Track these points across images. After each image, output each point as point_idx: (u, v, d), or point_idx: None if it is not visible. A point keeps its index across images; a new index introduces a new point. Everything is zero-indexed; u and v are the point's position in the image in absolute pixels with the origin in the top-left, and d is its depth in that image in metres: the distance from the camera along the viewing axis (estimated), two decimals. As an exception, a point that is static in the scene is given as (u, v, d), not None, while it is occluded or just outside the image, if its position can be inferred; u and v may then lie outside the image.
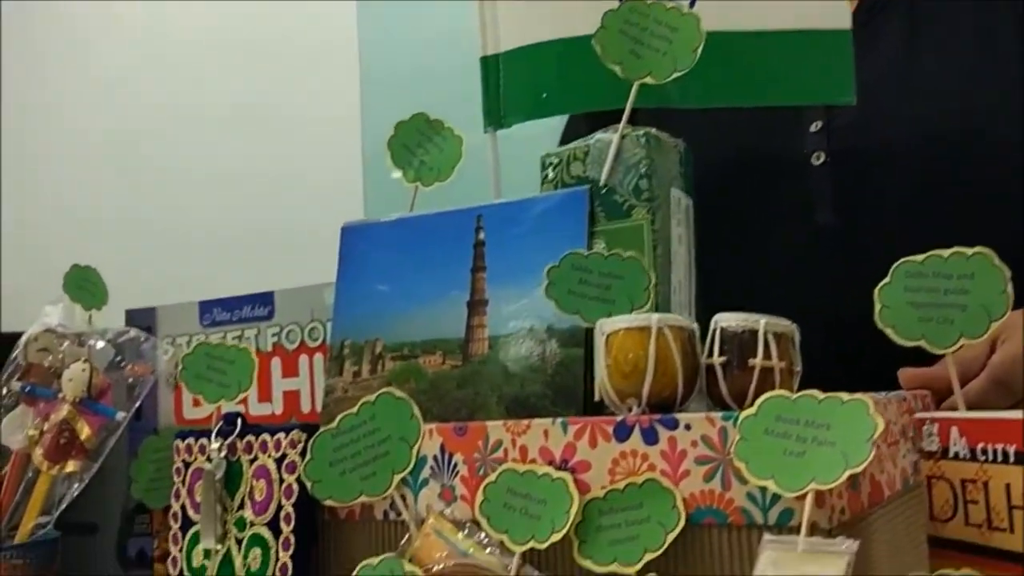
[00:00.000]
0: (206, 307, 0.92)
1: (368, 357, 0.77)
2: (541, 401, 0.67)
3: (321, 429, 0.67)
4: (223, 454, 0.70)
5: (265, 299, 0.89)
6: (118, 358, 0.91)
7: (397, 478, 0.64)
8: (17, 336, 0.91)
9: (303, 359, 0.86)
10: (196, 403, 0.90)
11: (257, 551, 0.66)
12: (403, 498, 0.64)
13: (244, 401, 0.81)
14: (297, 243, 1.58)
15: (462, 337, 0.73)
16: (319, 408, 0.85)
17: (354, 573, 0.62)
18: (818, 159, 0.94)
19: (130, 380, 0.90)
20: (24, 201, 2.32)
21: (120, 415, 0.86)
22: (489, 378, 0.70)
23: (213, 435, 0.71)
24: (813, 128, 0.95)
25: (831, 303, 0.89)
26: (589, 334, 0.67)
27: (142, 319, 0.93)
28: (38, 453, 0.86)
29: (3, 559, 0.81)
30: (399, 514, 0.64)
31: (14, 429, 0.88)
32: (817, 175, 0.94)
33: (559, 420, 0.59)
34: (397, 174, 0.81)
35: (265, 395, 0.86)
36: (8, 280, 2.18)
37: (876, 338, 0.58)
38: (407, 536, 0.63)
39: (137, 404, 0.88)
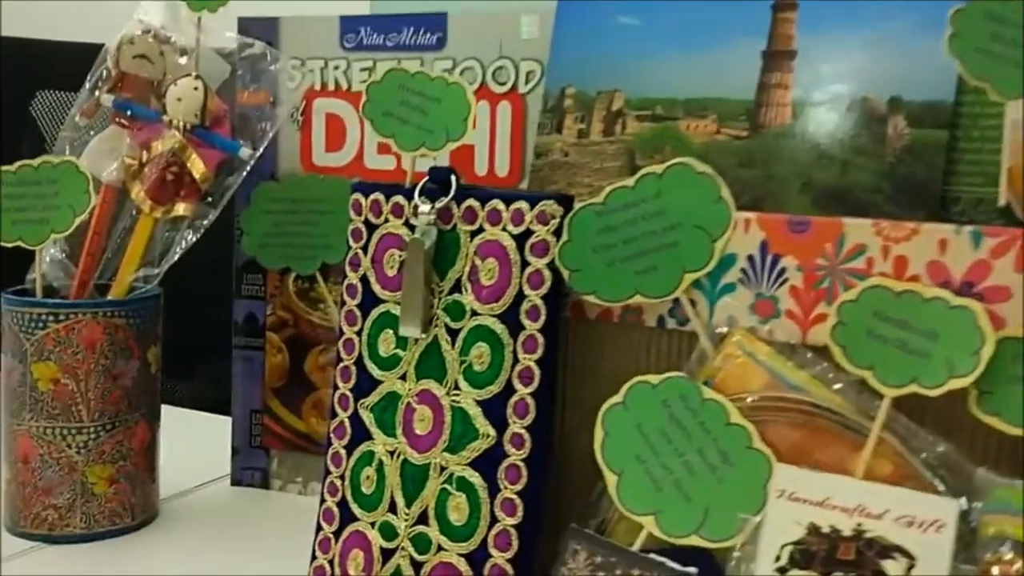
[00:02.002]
0: (350, 25, 0.71)
1: (601, 113, 0.59)
2: (871, 196, 0.51)
3: (582, 203, 0.50)
4: (432, 219, 0.53)
5: (434, 22, 0.69)
6: (235, 79, 0.71)
7: (689, 278, 0.48)
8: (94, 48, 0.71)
9: (482, 106, 0.67)
10: (330, 147, 0.72)
11: (484, 348, 0.51)
12: (693, 304, 0.49)
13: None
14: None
15: (751, 99, 0.55)
16: (501, 172, 0.67)
17: (624, 390, 0.48)
18: None
19: (248, 109, 0.71)
20: None
21: (245, 151, 0.68)
22: (790, 157, 0.53)
23: (417, 194, 0.53)
24: None
25: None
26: (956, 111, 0.50)
27: (261, 31, 0.72)
28: (138, 190, 0.68)
29: (101, 316, 0.65)
30: (683, 323, 0.49)
31: (104, 155, 0.69)
32: None
33: (968, 229, 0.43)
34: None
35: (428, 145, 0.68)
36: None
37: None
38: (698, 354, 0.48)
39: (266, 142, 0.69)
